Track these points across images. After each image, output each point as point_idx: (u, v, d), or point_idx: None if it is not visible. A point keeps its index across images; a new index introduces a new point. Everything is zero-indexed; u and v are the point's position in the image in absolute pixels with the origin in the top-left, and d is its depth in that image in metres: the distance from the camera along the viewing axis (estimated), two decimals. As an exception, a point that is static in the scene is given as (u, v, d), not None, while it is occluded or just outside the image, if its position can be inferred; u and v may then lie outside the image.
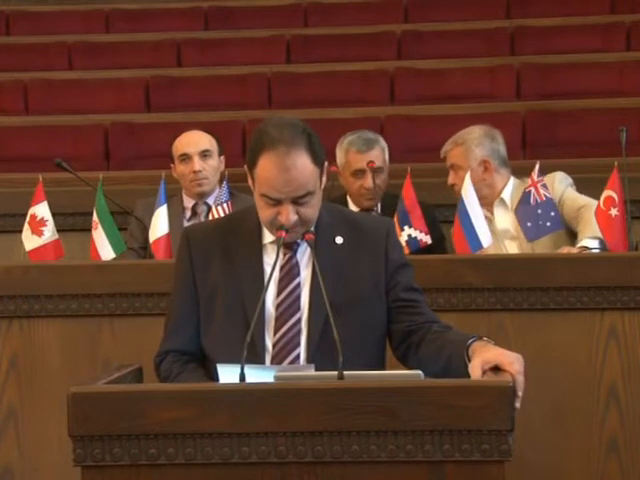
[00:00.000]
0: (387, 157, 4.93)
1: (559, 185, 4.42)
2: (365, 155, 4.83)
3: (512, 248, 4.45)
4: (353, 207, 4.91)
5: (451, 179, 4.62)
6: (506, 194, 4.56)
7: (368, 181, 4.79)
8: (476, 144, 4.57)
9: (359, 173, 4.83)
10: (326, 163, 2.84)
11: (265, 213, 2.79)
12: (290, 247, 2.85)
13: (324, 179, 2.84)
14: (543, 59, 6.91)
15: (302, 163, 2.73)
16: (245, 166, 2.84)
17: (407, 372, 2.62)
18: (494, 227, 4.49)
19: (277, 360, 2.76)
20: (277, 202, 2.75)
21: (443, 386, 2.36)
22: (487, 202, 4.54)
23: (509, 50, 7.29)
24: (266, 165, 2.73)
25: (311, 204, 2.77)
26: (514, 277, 3.40)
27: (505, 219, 4.50)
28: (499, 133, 4.65)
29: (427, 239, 4.39)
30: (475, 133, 4.62)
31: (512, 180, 4.60)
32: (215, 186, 4.86)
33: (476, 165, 4.52)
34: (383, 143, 4.95)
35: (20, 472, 3.46)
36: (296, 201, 2.75)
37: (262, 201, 2.78)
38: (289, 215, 2.74)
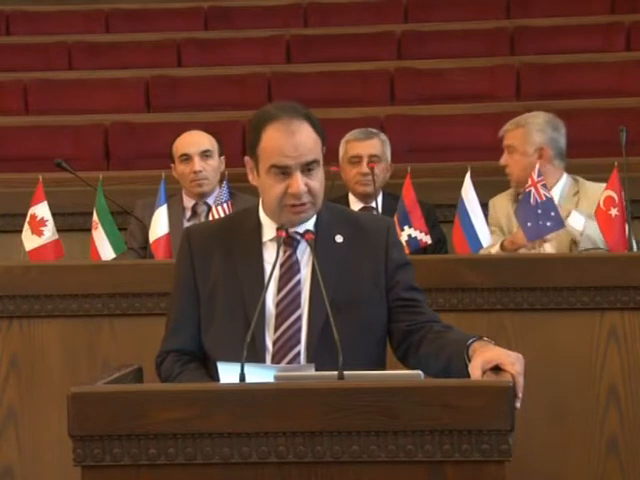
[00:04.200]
0: (388, 151, 4.97)
1: None
2: (362, 143, 4.91)
3: (548, 248, 4.33)
4: (355, 206, 4.93)
5: (503, 160, 4.50)
6: (556, 191, 4.45)
7: (363, 167, 4.85)
8: (537, 129, 4.47)
9: (355, 159, 4.88)
10: (324, 146, 2.85)
11: (274, 189, 2.78)
12: (290, 244, 2.85)
13: (322, 170, 2.85)
14: (543, 59, 6.92)
15: (306, 129, 2.77)
16: (245, 157, 2.85)
17: (407, 372, 2.62)
18: None
19: (277, 358, 2.76)
20: (286, 173, 2.76)
21: (443, 386, 2.36)
22: None
23: (509, 50, 7.29)
24: (272, 135, 2.76)
25: (317, 177, 2.79)
26: (514, 277, 3.40)
27: None
28: (563, 125, 4.54)
29: (427, 239, 4.39)
30: (539, 118, 4.52)
31: (565, 177, 4.49)
32: (215, 186, 4.86)
33: (532, 151, 4.44)
34: (384, 137, 5.01)
35: (20, 472, 3.46)
36: (304, 170, 2.76)
37: (270, 177, 2.78)
38: (300, 184, 2.75)
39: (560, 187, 4.47)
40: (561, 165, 4.49)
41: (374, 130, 5.06)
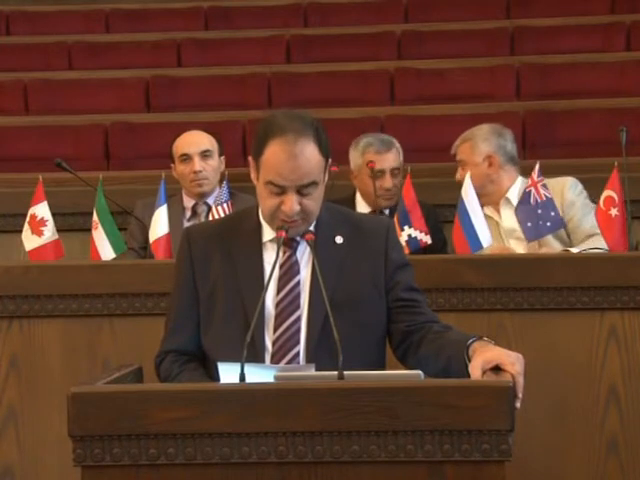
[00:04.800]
0: (402, 159, 4.94)
1: (570, 194, 4.38)
2: (384, 156, 4.85)
3: (518, 248, 4.42)
4: (362, 208, 4.91)
5: (458, 175, 4.61)
6: (512, 193, 4.54)
7: (387, 181, 4.82)
8: (482, 139, 4.57)
9: (378, 173, 4.83)
10: (330, 159, 2.85)
11: (268, 202, 2.78)
12: (290, 245, 2.85)
13: (326, 176, 2.85)
14: (543, 59, 6.91)
15: (310, 152, 2.74)
16: (249, 157, 2.85)
17: (407, 372, 2.62)
18: (500, 226, 4.48)
19: (276, 358, 2.77)
20: (282, 191, 2.75)
21: (443, 386, 2.36)
22: (493, 200, 4.53)
23: (509, 50, 7.28)
24: (274, 151, 2.74)
25: (314, 196, 2.78)
26: (514, 277, 3.40)
27: (512, 218, 4.45)
28: (510, 132, 4.65)
29: (427, 239, 4.39)
30: (483, 129, 4.63)
31: (520, 179, 4.58)
32: (215, 186, 4.86)
33: (481, 160, 4.53)
34: (398, 145, 4.97)
35: (20, 472, 3.46)
36: (300, 191, 2.75)
37: (266, 190, 2.78)
38: (293, 205, 2.74)
39: (516, 189, 4.55)
40: (514, 170, 4.60)
41: (386, 137, 5.00)
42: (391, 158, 4.88)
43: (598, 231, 4.27)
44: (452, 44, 7.23)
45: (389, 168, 4.86)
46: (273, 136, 2.75)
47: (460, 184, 4.56)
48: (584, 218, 4.32)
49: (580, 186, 4.46)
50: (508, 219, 4.47)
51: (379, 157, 4.85)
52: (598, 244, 4.16)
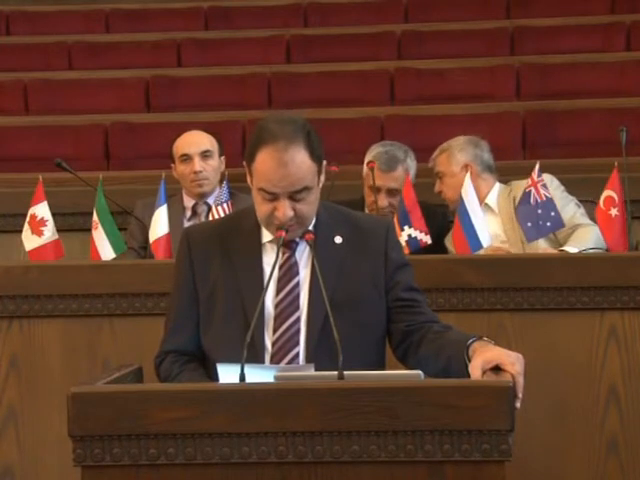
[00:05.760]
0: (412, 171, 4.84)
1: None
2: (385, 175, 4.76)
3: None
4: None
5: (437, 187, 4.70)
6: (491, 199, 4.63)
7: (382, 200, 4.77)
8: (459, 150, 4.65)
9: (376, 188, 4.77)
10: (324, 162, 2.84)
11: (262, 208, 2.79)
12: (289, 246, 2.85)
13: (322, 178, 2.84)
14: (543, 59, 6.91)
15: (300, 159, 2.73)
16: (244, 162, 2.85)
17: (407, 372, 2.62)
18: None
19: (276, 359, 2.77)
20: (274, 197, 2.75)
21: (443, 386, 2.36)
22: None
23: (509, 50, 7.28)
24: (264, 159, 2.74)
25: (308, 201, 2.78)
26: (514, 277, 3.40)
27: (493, 223, 4.51)
28: (485, 143, 4.72)
29: (427, 239, 4.38)
30: (459, 140, 4.70)
31: (497, 186, 4.67)
32: (215, 186, 4.86)
33: (458, 170, 4.59)
34: (409, 162, 4.85)
35: (20, 472, 3.46)
36: (293, 197, 2.75)
37: (259, 196, 2.78)
38: (285, 210, 2.74)
39: (495, 194, 4.64)
40: (491, 177, 4.68)
41: (399, 153, 4.85)
42: (391, 178, 4.77)
43: (579, 221, 4.35)
44: (452, 44, 7.23)
45: (385, 188, 4.76)
46: (264, 143, 2.75)
47: (440, 195, 4.67)
48: (563, 210, 4.33)
49: (556, 181, 4.51)
50: (490, 225, 4.49)
51: (380, 174, 4.75)
52: (588, 239, 4.19)
